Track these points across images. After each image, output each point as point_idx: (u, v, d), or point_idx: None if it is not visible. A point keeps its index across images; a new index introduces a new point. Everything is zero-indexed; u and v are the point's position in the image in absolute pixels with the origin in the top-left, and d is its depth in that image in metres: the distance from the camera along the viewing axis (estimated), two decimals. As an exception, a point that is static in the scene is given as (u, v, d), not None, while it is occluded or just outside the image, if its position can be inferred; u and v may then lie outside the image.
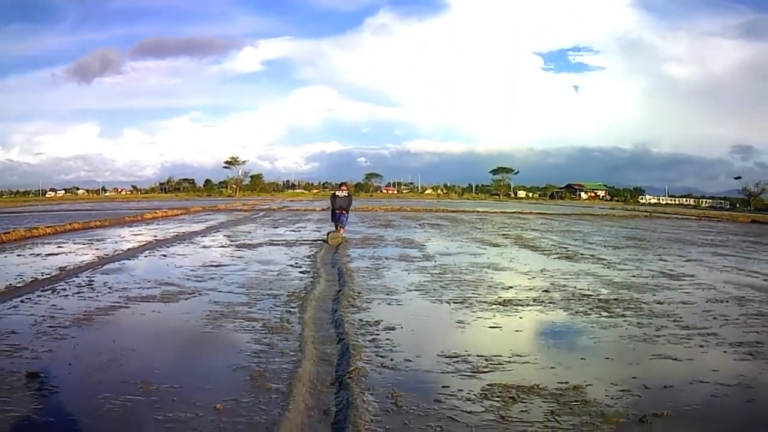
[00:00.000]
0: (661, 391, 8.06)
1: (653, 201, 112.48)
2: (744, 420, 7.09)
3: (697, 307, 13.29)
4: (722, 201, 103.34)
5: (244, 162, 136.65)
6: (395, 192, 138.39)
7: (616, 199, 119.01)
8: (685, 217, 61.60)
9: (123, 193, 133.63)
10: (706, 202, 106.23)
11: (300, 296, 14.68)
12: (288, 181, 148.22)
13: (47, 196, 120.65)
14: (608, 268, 20.27)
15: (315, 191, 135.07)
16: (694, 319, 12.12)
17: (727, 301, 13.74)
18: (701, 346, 10.16)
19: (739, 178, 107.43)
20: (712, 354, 9.74)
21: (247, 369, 9.03)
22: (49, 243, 26.58)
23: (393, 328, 11.51)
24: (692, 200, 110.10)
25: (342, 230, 29.52)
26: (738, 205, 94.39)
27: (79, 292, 14.68)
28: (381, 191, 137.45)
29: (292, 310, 13.16)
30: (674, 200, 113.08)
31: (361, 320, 12.13)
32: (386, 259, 22.53)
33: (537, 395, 7.92)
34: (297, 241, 29.62)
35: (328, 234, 29.45)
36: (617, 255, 24.33)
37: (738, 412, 7.32)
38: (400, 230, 37.47)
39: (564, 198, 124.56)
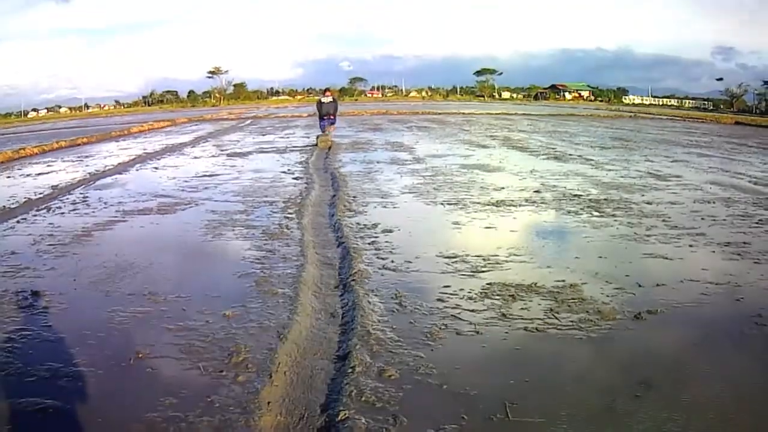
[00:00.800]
0: (653, 289, 8.25)
1: (637, 101, 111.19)
2: (733, 317, 7.25)
3: (685, 207, 13.44)
4: (705, 102, 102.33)
5: (226, 71, 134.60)
6: (380, 96, 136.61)
7: (600, 99, 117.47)
8: (669, 117, 60.51)
9: (106, 108, 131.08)
10: (689, 103, 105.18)
11: (296, 202, 14.85)
12: (272, 89, 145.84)
13: (29, 116, 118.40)
14: (596, 168, 20.35)
15: (299, 97, 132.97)
16: (682, 219, 12.28)
17: (714, 202, 13.86)
18: (690, 246, 10.33)
19: (721, 79, 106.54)
20: (701, 253, 9.91)
21: (251, 276, 9.18)
22: (37, 163, 26.20)
23: (391, 231, 11.70)
24: (676, 101, 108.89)
25: (331, 129, 30.34)
26: (722, 107, 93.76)
27: (74, 209, 14.69)
28: (366, 95, 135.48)
29: (289, 216, 13.33)
30: (658, 101, 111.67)
31: (358, 224, 12.32)
32: (377, 162, 22.66)
33: (535, 293, 8.14)
34: (287, 147, 29.55)
35: (317, 137, 30.10)
36: (604, 155, 24.39)
37: (727, 310, 7.50)
38: (389, 134, 37.12)
39: (548, 98, 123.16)
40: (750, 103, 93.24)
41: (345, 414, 5.17)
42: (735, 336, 6.71)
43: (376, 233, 11.56)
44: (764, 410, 5.16)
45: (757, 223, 11.83)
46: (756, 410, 5.14)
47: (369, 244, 10.79)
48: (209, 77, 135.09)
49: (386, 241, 10.96)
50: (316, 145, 29.43)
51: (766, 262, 9.38)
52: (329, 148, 28.61)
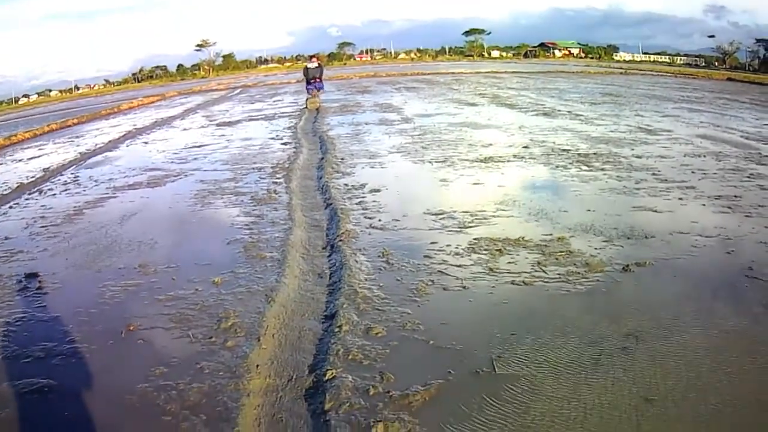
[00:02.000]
0: (642, 241, 8.28)
1: (628, 58, 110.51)
2: (724, 270, 7.24)
3: (675, 161, 13.38)
4: (697, 59, 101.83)
5: (214, 43, 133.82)
6: (369, 59, 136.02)
7: (590, 56, 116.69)
8: (660, 73, 59.96)
9: (96, 88, 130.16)
10: (681, 59, 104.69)
11: (284, 167, 14.92)
12: (261, 57, 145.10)
13: (20, 102, 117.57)
14: (586, 123, 20.38)
15: (288, 64, 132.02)
16: (672, 172, 12.25)
17: (704, 156, 13.77)
18: (680, 199, 10.31)
19: (712, 36, 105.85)
20: (691, 206, 9.89)
21: (240, 241, 9.28)
22: (29, 147, 25.86)
23: (378, 190, 11.78)
24: (667, 57, 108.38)
25: (319, 93, 30.91)
26: (716, 64, 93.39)
27: (66, 190, 14.65)
28: (354, 59, 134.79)
29: (277, 180, 13.41)
30: (649, 57, 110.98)
31: (346, 185, 12.39)
32: (366, 124, 22.64)
33: (523, 247, 8.18)
34: (276, 114, 29.46)
35: (306, 100, 30.95)
36: (594, 111, 24.27)
37: (718, 263, 7.48)
38: (377, 95, 36.97)
39: (538, 56, 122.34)
40: (743, 60, 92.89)
41: (332, 373, 5.22)
42: (725, 288, 6.70)
43: (363, 193, 11.64)
44: (752, 362, 5.18)
45: (748, 177, 11.74)
46: (744, 362, 5.16)
47: (356, 204, 10.85)
48: (197, 50, 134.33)
49: (374, 201, 11.03)
50: (306, 107, 30.25)
51: (758, 215, 9.34)
52: (317, 109, 29.42)
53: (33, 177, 17.01)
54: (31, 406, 5.23)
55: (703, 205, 9.97)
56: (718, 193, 10.60)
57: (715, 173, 12.05)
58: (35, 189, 15.15)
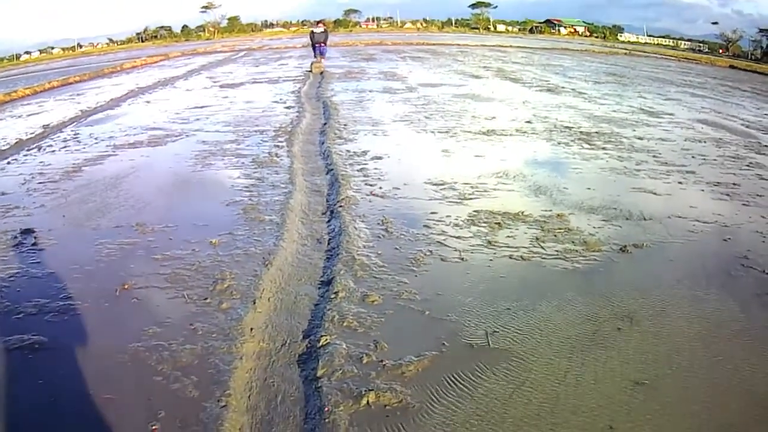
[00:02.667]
0: (640, 222, 8.30)
1: (633, 39, 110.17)
2: (720, 256, 7.25)
3: (676, 144, 13.40)
4: (701, 44, 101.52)
5: (220, 5, 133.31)
6: (375, 27, 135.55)
7: (595, 35, 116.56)
8: (664, 57, 59.84)
9: (99, 47, 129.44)
10: (684, 44, 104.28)
11: (287, 131, 14.86)
12: (266, 21, 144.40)
13: (22, 59, 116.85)
14: (589, 101, 20.26)
15: (294, 29, 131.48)
16: (672, 156, 12.23)
17: (705, 142, 13.80)
18: (680, 183, 10.32)
19: (716, 23, 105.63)
20: (690, 191, 9.91)
21: (239, 203, 9.26)
22: (29, 104, 25.60)
23: (380, 158, 11.77)
24: (671, 41, 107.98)
25: (323, 59, 31.50)
26: (721, 51, 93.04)
27: (65, 147, 14.56)
28: (361, 26, 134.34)
29: (279, 144, 13.37)
30: (653, 40, 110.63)
31: (348, 151, 12.36)
32: (370, 91, 22.54)
33: (522, 222, 8.20)
34: (280, 78, 29.27)
35: (311, 63, 31.16)
36: (597, 90, 24.18)
37: (714, 249, 7.49)
38: (382, 63, 36.91)
39: (543, 33, 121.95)
40: (745, 48, 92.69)
41: (326, 339, 5.24)
42: (720, 275, 6.71)
43: (365, 160, 11.63)
44: (744, 348, 5.20)
45: (747, 165, 11.76)
46: (735, 347, 5.18)
47: (358, 171, 10.86)
48: (203, 12, 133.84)
49: (375, 168, 11.03)
50: (311, 70, 30.49)
51: (755, 204, 9.34)
52: (321, 72, 29.64)
53: (32, 133, 16.87)
54: (22, 362, 5.24)
55: (702, 190, 9.97)
56: (717, 179, 10.59)
57: (714, 159, 12.06)
58: (34, 145, 15.04)
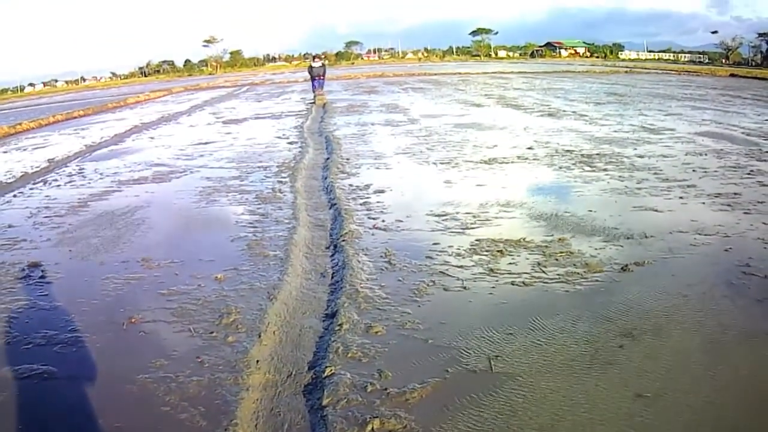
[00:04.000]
0: (642, 241, 8.33)
1: (633, 57, 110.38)
2: (721, 267, 7.28)
3: (677, 160, 13.43)
4: (701, 55, 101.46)
5: (222, 40, 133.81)
6: (377, 58, 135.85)
7: (596, 55, 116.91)
8: (665, 72, 59.83)
9: (102, 81, 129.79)
10: (685, 56, 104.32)
11: (290, 166, 14.96)
12: (268, 55, 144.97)
13: (26, 91, 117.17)
14: (590, 123, 20.36)
15: (296, 62, 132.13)
16: (673, 171, 12.29)
17: (705, 154, 13.86)
18: (681, 198, 10.38)
19: (715, 32, 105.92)
20: (691, 205, 9.95)
21: (244, 239, 9.34)
22: (33, 137, 26.10)
23: (383, 191, 11.84)
24: (672, 55, 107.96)
25: (322, 90, 34.01)
26: (723, 61, 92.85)
27: (71, 181, 14.73)
28: (362, 58, 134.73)
29: (283, 180, 13.44)
30: (654, 55, 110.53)
31: (351, 185, 12.43)
32: (372, 124, 22.69)
33: (524, 248, 8.23)
34: (282, 113, 29.53)
35: (314, 96, 33.60)
36: (598, 111, 24.32)
37: (716, 260, 7.54)
38: (384, 95, 37.01)
39: (544, 56, 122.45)
40: (745, 55, 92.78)
41: (331, 370, 5.28)
42: (722, 286, 6.74)
43: (368, 194, 11.68)
44: (746, 357, 5.23)
45: (748, 174, 11.83)
46: (739, 361, 5.20)
47: (361, 204, 10.91)
48: (205, 46, 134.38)
49: (378, 202, 11.08)
50: (314, 102, 32.71)
51: (756, 212, 9.41)
52: (324, 104, 31.68)
53: (38, 167, 17.17)
54: (30, 392, 5.32)
55: (703, 203, 10.03)
56: (718, 190, 10.68)
57: (715, 171, 12.14)
58: (40, 179, 15.26)
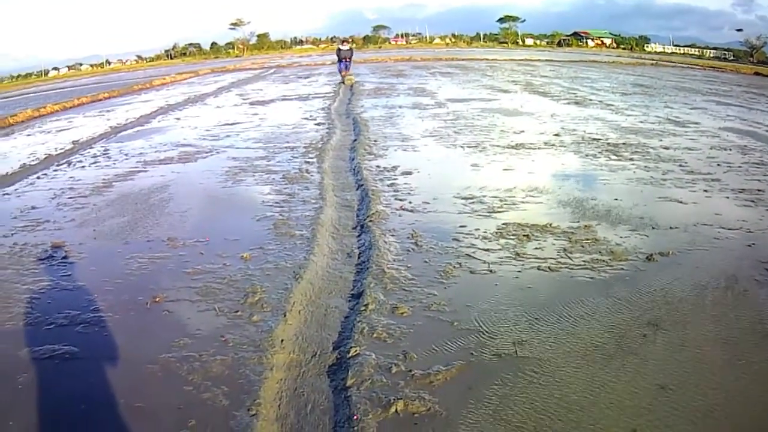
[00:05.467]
0: (666, 231, 8.31)
1: (659, 50, 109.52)
2: (744, 262, 7.23)
3: (702, 153, 13.37)
4: (726, 52, 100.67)
5: (249, 22, 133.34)
6: (404, 43, 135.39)
7: (622, 47, 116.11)
8: (690, 66, 59.19)
9: (128, 63, 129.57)
10: (710, 52, 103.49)
11: (317, 147, 14.96)
12: (295, 38, 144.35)
13: (50, 75, 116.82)
14: (616, 113, 20.22)
15: (323, 46, 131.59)
16: (698, 164, 12.23)
17: (730, 149, 13.74)
18: (705, 191, 10.32)
19: (740, 30, 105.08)
20: (715, 199, 9.89)
21: (270, 219, 9.36)
22: (58, 119, 25.93)
23: (410, 173, 11.84)
24: (697, 50, 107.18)
25: (349, 71, 35.29)
26: (749, 59, 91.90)
27: (95, 162, 14.73)
28: (390, 43, 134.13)
29: (310, 160, 13.46)
30: (679, 50, 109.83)
31: (378, 166, 12.45)
32: (399, 107, 22.62)
33: (550, 233, 8.24)
34: (309, 95, 29.40)
35: (342, 76, 34.91)
36: (625, 101, 24.07)
37: (739, 255, 7.48)
38: (412, 79, 36.89)
39: (571, 45, 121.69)
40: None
41: (356, 350, 5.32)
42: (745, 281, 6.71)
43: (395, 175, 11.69)
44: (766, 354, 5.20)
45: (771, 171, 11.69)
46: (761, 356, 5.17)
47: (388, 186, 10.93)
48: (232, 29, 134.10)
49: (405, 183, 11.10)
50: (342, 82, 33.91)
51: (779, 210, 9.33)
52: (352, 84, 32.78)
53: (62, 149, 17.13)
54: (52, 372, 5.34)
55: (727, 197, 9.96)
56: (742, 186, 10.58)
57: (739, 166, 12.03)
58: (64, 161, 15.24)
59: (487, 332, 5.61)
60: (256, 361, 5.23)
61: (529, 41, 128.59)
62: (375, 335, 5.58)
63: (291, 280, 6.98)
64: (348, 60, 35.34)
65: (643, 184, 10.76)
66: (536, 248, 7.73)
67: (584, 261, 7.29)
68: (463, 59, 61.28)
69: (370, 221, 8.91)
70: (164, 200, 10.77)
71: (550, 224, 8.58)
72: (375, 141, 15.38)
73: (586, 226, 8.52)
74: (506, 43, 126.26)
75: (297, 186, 11.24)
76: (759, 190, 10.31)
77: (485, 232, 8.36)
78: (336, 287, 6.88)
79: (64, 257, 8.18)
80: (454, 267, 7.19)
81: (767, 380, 4.82)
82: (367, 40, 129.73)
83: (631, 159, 12.74)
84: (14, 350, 5.70)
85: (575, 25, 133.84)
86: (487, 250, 7.71)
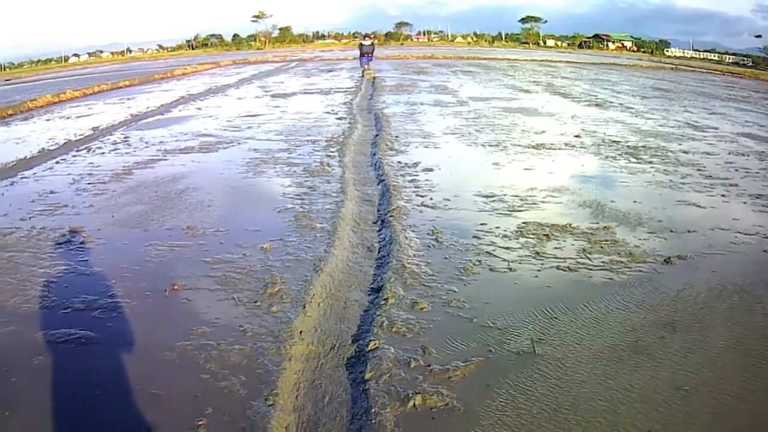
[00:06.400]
0: (684, 235, 8.31)
1: (679, 54, 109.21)
2: (761, 267, 7.25)
3: (720, 158, 13.31)
4: (744, 58, 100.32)
5: (271, 15, 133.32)
6: (426, 40, 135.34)
7: (642, 50, 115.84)
8: (709, 71, 59.06)
9: (149, 52, 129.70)
10: (729, 58, 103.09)
11: (338, 141, 15.00)
12: (318, 32, 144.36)
13: (70, 62, 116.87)
14: (636, 116, 20.16)
15: (345, 41, 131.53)
16: (717, 169, 12.16)
17: (748, 155, 13.69)
18: (723, 196, 10.28)
19: (759, 36, 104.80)
20: (733, 204, 9.86)
21: (291, 211, 9.40)
22: (78, 106, 26.07)
23: (431, 170, 11.86)
24: (716, 55, 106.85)
25: (370, 66, 36.41)
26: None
27: (115, 149, 14.79)
28: (412, 39, 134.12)
29: (331, 154, 13.51)
30: (699, 55, 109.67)
31: (399, 162, 12.47)
32: (421, 104, 22.63)
33: (569, 234, 8.26)
34: (331, 89, 29.41)
35: (362, 70, 36.20)
36: (645, 104, 23.98)
37: (756, 260, 7.49)
38: (433, 77, 36.90)
39: (592, 48, 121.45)
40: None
41: (375, 344, 5.34)
42: (762, 286, 6.70)
43: (416, 172, 11.72)
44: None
45: (790, 179, 11.67)
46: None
47: (409, 182, 10.96)
48: (254, 21, 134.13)
49: (426, 180, 11.12)
50: (363, 76, 35.03)
51: (797, 216, 9.31)
52: (373, 78, 33.69)
53: (81, 135, 17.23)
54: (68, 356, 5.37)
55: (745, 203, 9.93)
56: (760, 192, 10.56)
57: (757, 172, 12.01)
58: (83, 147, 15.35)
59: (505, 329, 5.64)
60: (275, 352, 5.26)
61: (550, 42, 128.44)
62: (394, 329, 5.61)
63: (311, 272, 7.00)
64: (370, 55, 36.53)
65: (662, 188, 10.76)
66: (556, 248, 7.75)
67: (603, 262, 7.31)
68: (484, 58, 61.30)
69: (391, 216, 8.93)
70: (184, 189, 10.82)
71: (570, 224, 8.61)
72: (396, 137, 15.41)
73: (605, 227, 8.54)
74: (527, 43, 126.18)
75: (318, 179, 11.26)
76: (777, 196, 10.24)
77: (505, 230, 8.39)
78: (356, 281, 6.90)
79: (82, 242, 8.23)
80: (474, 264, 7.20)
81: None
82: (389, 36, 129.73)
83: (650, 162, 12.73)
84: (30, 333, 5.74)
85: (596, 27, 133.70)
86: (507, 248, 7.73)
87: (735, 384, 4.78)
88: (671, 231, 8.45)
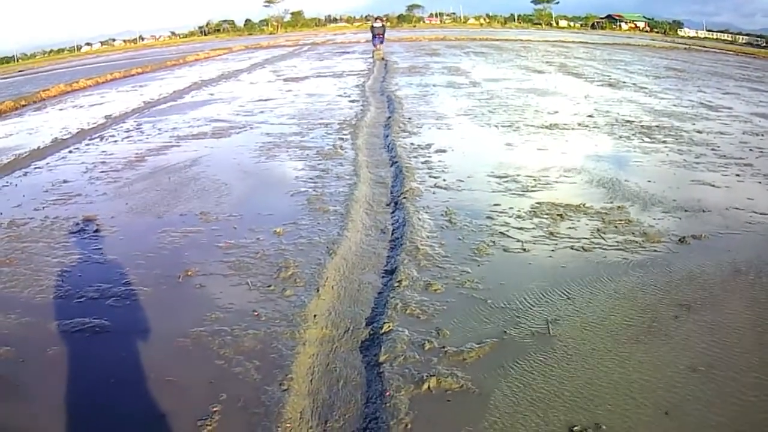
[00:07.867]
0: (699, 214, 8.26)
1: (692, 34, 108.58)
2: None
3: (734, 138, 13.20)
4: (758, 38, 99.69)
5: (283, 0, 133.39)
6: (438, 22, 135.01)
7: (655, 30, 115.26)
8: (722, 51, 58.54)
9: (161, 39, 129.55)
10: (742, 38, 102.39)
11: (351, 123, 15.03)
12: (330, 16, 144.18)
13: (83, 51, 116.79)
14: (649, 96, 20.03)
15: (357, 24, 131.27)
16: (731, 149, 12.10)
17: (762, 135, 13.56)
18: (737, 175, 10.20)
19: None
20: (747, 183, 9.79)
21: (304, 194, 9.42)
22: (90, 94, 26.10)
23: (444, 151, 11.87)
24: (729, 36, 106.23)
25: (381, 47, 38.37)
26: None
27: (128, 137, 14.81)
28: (424, 21, 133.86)
29: (344, 137, 13.51)
30: (712, 35, 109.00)
31: (412, 144, 12.48)
32: (433, 86, 22.62)
33: (583, 213, 8.24)
34: (344, 72, 29.46)
35: (373, 51, 38.14)
36: (658, 84, 23.79)
37: (770, 239, 7.47)
38: (446, 58, 36.95)
39: (605, 28, 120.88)
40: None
41: (389, 326, 5.35)
42: (777, 265, 6.66)
43: (429, 153, 11.72)
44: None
45: (804, 158, 11.59)
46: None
47: (422, 163, 10.95)
48: (266, 6, 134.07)
49: (439, 161, 11.12)
50: (373, 56, 36.91)
51: (812, 196, 9.25)
52: (382, 58, 35.67)
53: (94, 123, 17.26)
54: (82, 345, 5.38)
55: (759, 182, 9.86)
56: (774, 171, 10.46)
57: (772, 152, 11.88)
58: (96, 135, 15.36)
59: (520, 310, 5.63)
60: (289, 336, 5.26)
61: (563, 23, 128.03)
62: (408, 311, 5.61)
63: (324, 256, 7.02)
64: (381, 36, 38.63)
65: (676, 167, 10.70)
66: (570, 228, 7.75)
67: (617, 242, 7.29)
68: (497, 39, 61.20)
69: (404, 198, 8.95)
70: (197, 175, 10.83)
71: (584, 204, 8.59)
72: (409, 119, 15.41)
73: (619, 207, 8.51)
74: (540, 24, 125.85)
75: (331, 162, 11.28)
76: (791, 176, 10.18)
77: (519, 210, 8.38)
78: (369, 263, 6.92)
79: (96, 230, 8.26)
80: (488, 245, 7.21)
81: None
82: (401, 18, 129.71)
83: (664, 142, 12.68)
84: (45, 323, 5.76)
85: (609, 8, 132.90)
86: (521, 228, 7.73)
87: (750, 364, 4.75)
88: (685, 210, 8.41)
